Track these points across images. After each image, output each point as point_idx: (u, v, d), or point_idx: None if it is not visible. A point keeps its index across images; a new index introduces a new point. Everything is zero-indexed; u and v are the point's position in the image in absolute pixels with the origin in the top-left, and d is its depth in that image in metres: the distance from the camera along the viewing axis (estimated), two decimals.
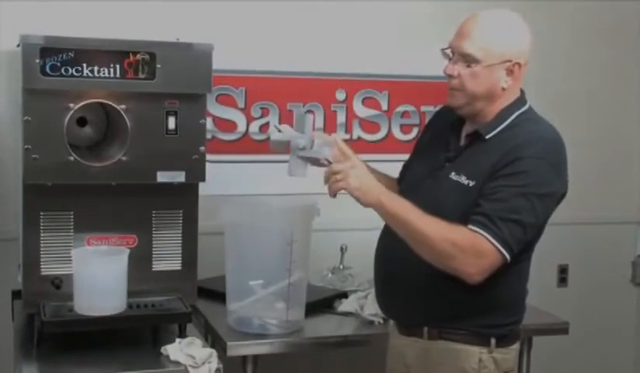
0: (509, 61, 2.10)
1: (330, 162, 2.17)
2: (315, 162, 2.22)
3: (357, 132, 3.44)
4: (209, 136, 3.10)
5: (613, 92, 3.84)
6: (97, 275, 2.39)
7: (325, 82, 3.29)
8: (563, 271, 3.86)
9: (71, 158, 2.40)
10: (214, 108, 3.22)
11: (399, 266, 2.19)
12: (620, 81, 3.84)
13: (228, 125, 3.29)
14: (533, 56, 2.17)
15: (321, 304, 2.90)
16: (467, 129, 2.23)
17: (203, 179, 2.57)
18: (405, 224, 2.04)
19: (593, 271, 3.87)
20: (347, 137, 3.41)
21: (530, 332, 2.83)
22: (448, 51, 2.17)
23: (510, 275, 2.08)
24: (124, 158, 2.45)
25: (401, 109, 3.49)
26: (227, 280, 2.68)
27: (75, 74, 2.36)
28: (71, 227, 2.49)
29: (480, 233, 1.99)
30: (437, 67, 2.26)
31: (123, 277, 2.44)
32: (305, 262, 2.66)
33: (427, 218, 2.02)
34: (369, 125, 3.46)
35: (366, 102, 3.45)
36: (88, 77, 2.38)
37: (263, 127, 3.33)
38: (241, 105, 3.29)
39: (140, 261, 2.53)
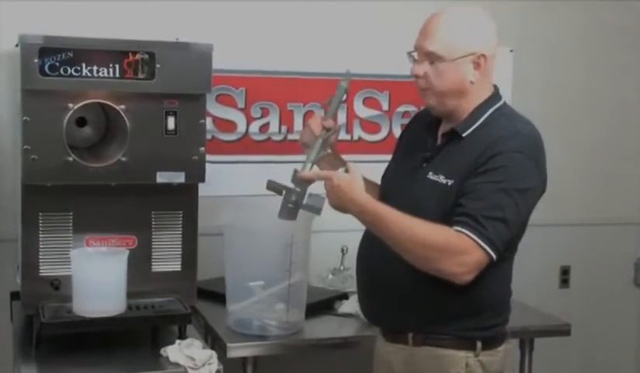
0: (473, 53, 2.09)
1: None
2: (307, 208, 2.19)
3: (358, 132, 3.44)
4: (209, 136, 3.10)
5: (615, 94, 3.83)
6: (96, 276, 2.39)
7: (325, 82, 3.28)
8: (565, 272, 3.86)
9: (70, 159, 2.40)
10: (214, 108, 3.22)
11: (380, 272, 2.18)
12: (623, 83, 3.84)
13: (228, 125, 3.29)
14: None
15: (322, 305, 2.90)
16: (443, 128, 2.22)
17: (203, 180, 2.57)
18: (387, 230, 2.03)
19: (595, 272, 3.87)
20: (348, 137, 3.41)
21: (531, 334, 2.82)
22: (414, 54, 2.17)
23: (494, 275, 2.07)
24: (123, 159, 2.45)
25: (402, 109, 3.49)
26: (226, 282, 2.68)
27: (74, 74, 2.37)
28: (70, 228, 2.49)
29: (465, 233, 1.98)
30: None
31: (122, 278, 2.44)
32: (305, 263, 2.66)
33: (409, 222, 2.00)
34: (370, 125, 3.46)
35: (367, 102, 3.44)
36: (87, 77, 2.38)
37: (263, 128, 3.33)
38: (241, 105, 3.29)
39: (139, 262, 2.54)
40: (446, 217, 2.05)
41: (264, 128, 3.33)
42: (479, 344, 2.13)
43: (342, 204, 2.07)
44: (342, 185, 2.06)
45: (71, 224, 2.49)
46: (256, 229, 2.53)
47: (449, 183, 2.08)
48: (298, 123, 3.34)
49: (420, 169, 2.18)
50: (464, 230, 1.98)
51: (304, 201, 2.16)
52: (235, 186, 3.20)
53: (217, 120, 3.26)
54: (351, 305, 2.86)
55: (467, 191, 2.02)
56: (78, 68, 2.37)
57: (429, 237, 1.99)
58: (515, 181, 2.02)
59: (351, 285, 3.07)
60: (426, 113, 2.27)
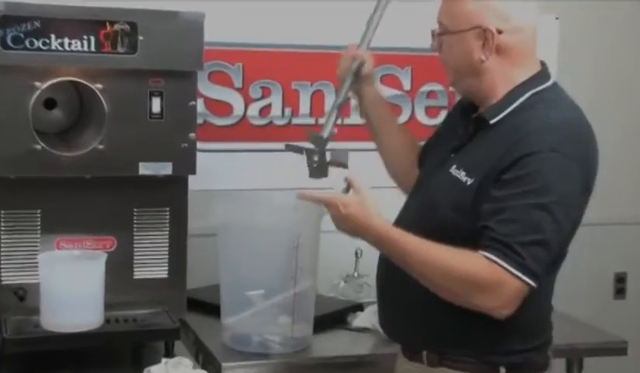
0: (478, 27, 2.09)
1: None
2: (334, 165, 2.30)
3: None
4: (200, 120, 3.10)
5: None
6: (68, 284, 2.39)
7: (335, 57, 3.25)
8: (620, 280, 3.84)
9: (38, 147, 2.40)
10: (206, 88, 3.21)
11: (397, 284, 2.18)
12: None
13: (223, 108, 3.28)
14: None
15: (332, 318, 2.90)
16: (478, 113, 2.22)
17: (194, 172, 2.58)
18: (409, 262, 2.06)
19: None
20: (362, 121, 3.39)
21: (580, 353, 2.81)
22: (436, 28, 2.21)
23: (527, 294, 2.04)
24: (100, 147, 2.46)
25: (426, 88, 3.48)
26: (221, 290, 2.68)
27: (42, 47, 2.36)
28: (38, 227, 2.50)
29: (498, 263, 1.96)
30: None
31: (99, 286, 2.44)
32: (313, 268, 2.65)
33: (435, 252, 2.02)
34: (389, 107, 3.42)
35: (385, 80, 3.43)
36: (57, 51, 2.38)
37: (264, 110, 3.33)
38: (238, 84, 3.29)
39: (119, 267, 2.54)
40: (460, 221, 2.06)
41: (265, 111, 3.33)
42: (503, 371, 2.13)
43: (353, 232, 2.12)
44: (352, 212, 2.09)
45: (38, 224, 2.50)
46: (256, 229, 2.52)
47: (468, 182, 2.08)
48: (305, 106, 3.34)
49: (448, 159, 2.19)
50: (497, 260, 1.96)
51: (328, 159, 2.26)
52: (231, 179, 3.20)
53: (209, 102, 3.25)
54: (367, 318, 2.86)
55: (495, 207, 2.00)
56: (47, 41, 2.37)
57: (458, 269, 2.00)
58: (552, 191, 1.98)
59: (367, 294, 3.10)
60: None
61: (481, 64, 2.11)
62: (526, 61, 2.15)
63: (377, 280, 2.32)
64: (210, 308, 2.80)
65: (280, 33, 3.28)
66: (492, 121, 2.11)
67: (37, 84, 2.39)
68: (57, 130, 2.53)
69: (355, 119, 3.36)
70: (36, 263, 2.44)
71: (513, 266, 1.95)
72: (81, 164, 2.45)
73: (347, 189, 2.14)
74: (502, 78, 2.13)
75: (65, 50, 2.38)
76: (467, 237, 2.02)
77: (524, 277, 1.96)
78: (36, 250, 2.48)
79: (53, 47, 2.37)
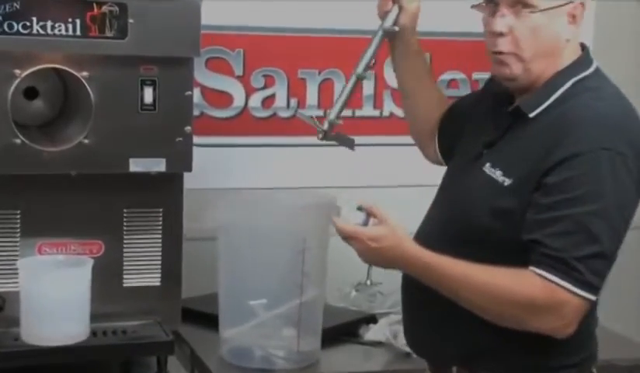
0: (571, 1, 2.06)
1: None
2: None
3: (389, 107, 3.43)
4: (197, 112, 3.10)
5: None
6: (51, 293, 2.39)
7: (346, 42, 3.26)
8: None
9: (18, 141, 2.40)
10: (203, 76, 3.21)
11: (426, 292, 2.15)
12: None
13: (222, 98, 3.28)
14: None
15: (343, 330, 2.90)
16: (513, 105, 2.18)
17: (190, 169, 2.58)
18: (454, 288, 2.05)
19: None
20: (376, 113, 3.39)
21: (621, 371, 2.79)
22: (484, 4, 2.13)
23: None
24: (86, 141, 2.45)
25: (446, 77, 3.48)
26: (220, 300, 2.68)
27: (22, 31, 2.36)
28: (18, 230, 2.50)
29: (555, 282, 1.95)
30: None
31: (85, 295, 2.44)
32: (321, 276, 2.66)
33: (481, 277, 2.01)
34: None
35: None
36: (38, 35, 2.37)
37: (267, 101, 3.32)
38: (239, 72, 3.29)
39: (107, 274, 2.54)
40: (497, 223, 2.05)
41: (268, 102, 3.33)
42: None
43: (386, 265, 2.13)
44: (385, 245, 2.07)
45: (18, 226, 2.50)
46: (258, 232, 2.53)
47: (505, 183, 2.06)
48: (312, 96, 3.34)
49: (481, 155, 2.17)
50: (554, 278, 1.95)
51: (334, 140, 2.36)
52: (231, 177, 3.21)
53: (207, 92, 3.25)
54: (381, 331, 2.86)
55: (543, 218, 1.98)
56: (27, 24, 2.36)
57: (511, 292, 1.99)
58: (605, 195, 1.96)
59: (380, 304, 3.12)
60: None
61: (566, 45, 2.08)
62: (577, 42, 2.14)
63: (403, 288, 2.31)
64: (207, 319, 2.80)
65: (284, 16, 3.28)
66: (532, 114, 2.09)
67: (17, 71, 2.38)
68: (39, 123, 2.53)
69: (367, 111, 3.37)
70: (16, 269, 2.44)
71: (572, 284, 1.94)
72: (66, 160, 2.44)
73: (367, 221, 2.11)
74: (560, 62, 2.10)
75: (48, 35, 2.38)
76: (504, 245, 2.02)
77: (585, 294, 1.95)
78: (15, 255, 2.48)
79: (34, 31, 2.37)
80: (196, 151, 2.57)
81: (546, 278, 1.95)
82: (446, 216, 2.22)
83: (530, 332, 2.03)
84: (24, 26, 2.36)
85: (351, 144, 2.39)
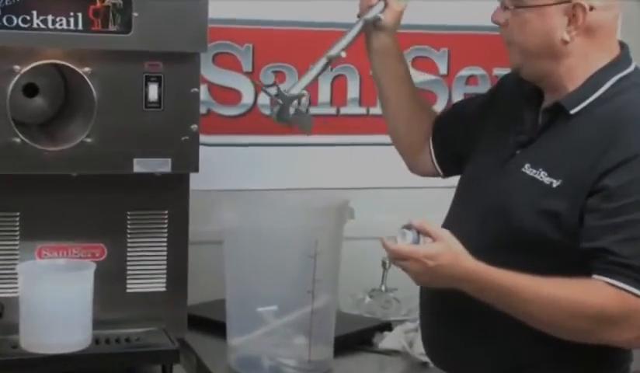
0: (567, 1, 2.07)
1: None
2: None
3: None
4: (204, 110, 3.10)
5: None
6: (51, 299, 2.39)
7: (360, 37, 3.26)
8: None
9: (17, 140, 2.40)
10: (211, 72, 3.21)
11: (452, 301, 2.17)
12: None
13: (230, 95, 3.29)
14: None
15: (356, 338, 2.90)
16: (547, 101, 2.20)
17: (196, 169, 2.58)
18: (520, 304, 2.03)
19: None
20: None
21: None
22: None
23: None
24: (89, 140, 2.46)
25: (465, 72, 3.48)
26: (227, 306, 2.68)
27: (22, 25, 2.37)
28: (17, 233, 2.51)
29: (628, 291, 1.96)
30: None
31: (86, 301, 2.44)
32: (334, 281, 2.66)
33: (548, 290, 2.00)
34: (422, 94, 3.42)
35: (417, 63, 3.42)
36: (39, 29, 2.38)
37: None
38: (247, 68, 3.29)
39: (110, 279, 2.55)
40: (547, 226, 2.05)
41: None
42: None
43: (444, 283, 2.08)
44: (444, 262, 2.03)
45: (17, 229, 2.51)
46: (268, 235, 2.53)
47: (554, 184, 2.07)
48: (325, 93, 3.34)
49: (513, 157, 2.18)
50: (629, 287, 1.96)
51: (290, 116, 2.40)
52: (239, 177, 3.21)
53: (214, 89, 3.25)
54: (396, 339, 2.85)
55: (607, 224, 1.98)
56: (27, 18, 2.37)
57: (582, 304, 1.99)
58: None
59: (396, 311, 3.12)
60: (519, 79, 2.27)
61: (563, 46, 2.09)
62: (610, 42, 2.15)
63: (426, 302, 2.33)
64: (214, 326, 2.80)
65: (295, 10, 3.28)
66: (573, 111, 2.10)
67: (16, 67, 2.39)
68: (39, 121, 2.54)
69: (353, 108, 3.37)
70: (15, 274, 2.45)
71: None
72: (67, 160, 2.45)
73: (418, 239, 2.08)
74: (583, 62, 2.12)
75: (49, 29, 2.38)
76: (549, 248, 2.03)
77: None
78: (14, 259, 2.49)
79: (34, 25, 2.37)
80: (202, 150, 2.58)
81: (618, 287, 1.95)
82: (481, 220, 2.20)
83: (572, 345, 2.04)
84: (24, 20, 2.36)
85: (308, 126, 2.38)
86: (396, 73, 2.52)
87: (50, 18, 2.38)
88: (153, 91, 2.50)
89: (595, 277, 1.97)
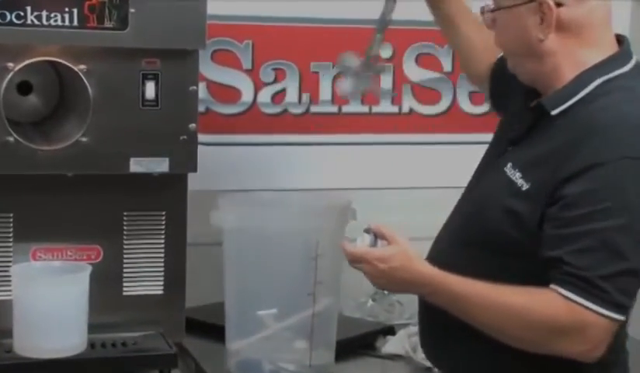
0: (528, 1, 2.08)
1: None
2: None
3: (409, 103, 3.41)
4: (202, 108, 3.10)
5: None
6: (46, 302, 2.39)
7: (362, 33, 3.24)
8: None
9: (11, 139, 2.40)
10: (210, 69, 3.21)
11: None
12: None
13: (229, 93, 3.28)
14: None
15: (358, 343, 2.90)
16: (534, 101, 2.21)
17: (194, 169, 2.58)
18: (473, 316, 2.07)
19: None
20: (395, 109, 3.38)
21: None
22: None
23: None
24: (84, 140, 2.46)
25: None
26: (226, 309, 2.68)
27: (16, 21, 2.37)
28: (11, 234, 2.51)
29: (579, 303, 1.96)
30: None
31: (82, 304, 2.44)
32: (335, 284, 2.65)
33: (500, 298, 2.03)
34: (425, 93, 3.44)
35: (421, 60, 3.42)
36: (33, 25, 2.38)
37: (277, 96, 3.32)
38: (247, 65, 3.28)
39: (106, 282, 2.55)
40: (514, 230, 2.06)
41: (278, 97, 3.33)
42: None
43: (397, 288, 2.21)
44: (396, 265, 2.11)
45: (11, 230, 2.51)
46: (268, 237, 2.53)
47: (523, 188, 2.07)
48: (326, 91, 3.33)
49: (505, 153, 2.19)
50: (579, 299, 1.96)
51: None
52: (239, 177, 3.20)
53: (213, 86, 3.25)
54: (399, 343, 2.86)
55: (565, 233, 1.98)
56: (21, 13, 2.37)
57: (532, 314, 2.00)
58: (632, 208, 1.96)
59: (399, 315, 3.12)
60: None
61: (539, 45, 2.09)
62: (598, 38, 2.12)
63: (419, 299, 2.33)
64: (213, 330, 2.80)
65: (296, 6, 3.27)
66: (554, 112, 2.09)
67: (10, 65, 2.39)
68: (33, 120, 2.54)
69: (355, 107, 3.36)
70: (9, 276, 2.45)
71: (599, 304, 1.94)
72: (62, 159, 2.45)
73: (375, 242, 2.16)
74: (568, 60, 2.10)
75: (43, 25, 2.38)
76: (522, 253, 2.03)
77: (613, 314, 1.96)
78: (8, 261, 2.49)
79: (28, 21, 2.37)
80: (201, 150, 2.58)
81: (570, 299, 1.95)
82: (462, 218, 2.24)
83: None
84: (17, 16, 2.36)
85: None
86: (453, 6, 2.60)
87: (44, 14, 2.38)
88: (150, 89, 2.50)
89: (552, 286, 1.98)
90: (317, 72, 3.33)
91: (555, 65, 2.11)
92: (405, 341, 2.83)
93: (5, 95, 2.39)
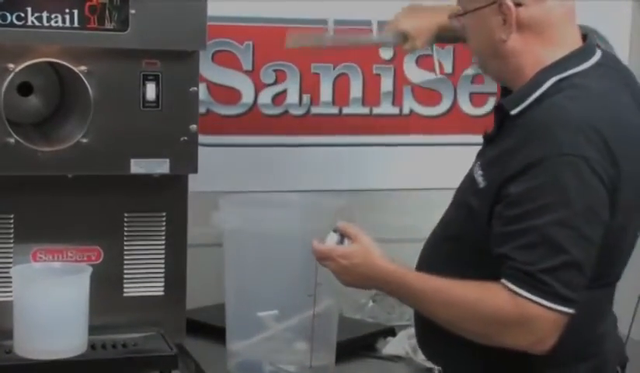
0: (494, 1, 2.11)
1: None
2: None
3: (409, 104, 3.41)
4: (202, 109, 3.10)
5: None
6: (46, 303, 2.38)
7: (363, 34, 3.25)
8: None
9: (11, 140, 2.40)
10: (210, 71, 3.21)
11: None
12: None
13: (229, 94, 3.28)
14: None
15: (359, 344, 2.90)
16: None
17: (195, 170, 2.59)
18: (429, 310, 2.14)
19: None
20: (395, 111, 3.38)
21: None
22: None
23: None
24: (85, 141, 2.46)
25: (471, 71, 3.46)
26: (227, 311, 2.68)
27: (16, 22, 2.37)
28: (11, 235, 2.51)
29: (523, 296, 1.99)
30: None
31: (82, 305, 2.44)
32: (336, 285, 2.58)
33: (452, 292, 2.08)
34: (426, 94, 3.44)
35: (421, 62, 3.41)
36: (34, 27, 2.38)
37: (278, 98, 3.32)
38: (247, 66, 3.28)
39: (106, 283, 2.55)
40: (472, 226, 2.11)
41: (279, 98, 3.33)
42: None
43: (360, 283, 2.24)
44: (356, 261, 2.20)
45: (12, 231, 2.51)
46: (268, 238, 2.53)
47: (480, 186, 2.11)
48: (326, 92, 3.33)
49: (482, 151, 2.23)
50: (522, 292, 1.99)
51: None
52: (239, 179, 3.20)
53: (213, 88, 3.25)
54: (400, 344, 2.86)
55: (509, 230, 2.01)
56: (22, 15, 2.37)
57: (480, 308, 2.05)
58: (572, 202, 1.98)
59: (399, 316, 3.11)
60: None
61: (503, 45, 2.13)
62: (559, 36, 2.14)
63: None
64: (213, 331, 2.80)
65: (296, 7, 3.27)
66: (513, 112, 2.10)
67: (10, 66, 2.39)
68: (34, 121, 2.54)
69: (356, 108, 3.37)
70: (9, 277, 2.45)
71: (542, 297, 1.97)
72: (62, 160, 2.45)
73: (342, 240, 2.24)
74: (530, 60, 2.13)
75: (44, 26, 2.39)
76: (479, 251, 2.08)
77: (557, 307, 1.98)
78: (8, 262, 2.49)
79: (29, 23, 2.37)
80: (201, 151, 2.58)
81: (515, 292, 1.98)
82: (444, 214, 2.29)
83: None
84: (18, 17, 2.37)
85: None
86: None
87: (45, 15, 2.38)
88: (151, 90, 2.51)
89: (502, 281, 2.02)
90: (317, 73, 3.33)
91: (518, 65, 2.14)
92: (406, 342, 2.83)
93: (5, 96, 2.39)
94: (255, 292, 2.59)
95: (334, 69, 3.34)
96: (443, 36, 2.69)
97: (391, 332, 2.97)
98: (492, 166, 2.10)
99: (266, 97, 3.31)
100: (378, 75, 3.37)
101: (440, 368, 2.38)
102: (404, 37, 2.67)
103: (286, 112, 3.33)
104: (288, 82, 3.32)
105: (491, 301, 2.02)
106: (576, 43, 2.15)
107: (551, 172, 1.97)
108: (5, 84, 2.39)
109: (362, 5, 3.27)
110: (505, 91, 2.29)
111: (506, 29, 2.11)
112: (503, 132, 2.13)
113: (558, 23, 2.13)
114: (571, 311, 1.99)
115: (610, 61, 2.19)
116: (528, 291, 1.97)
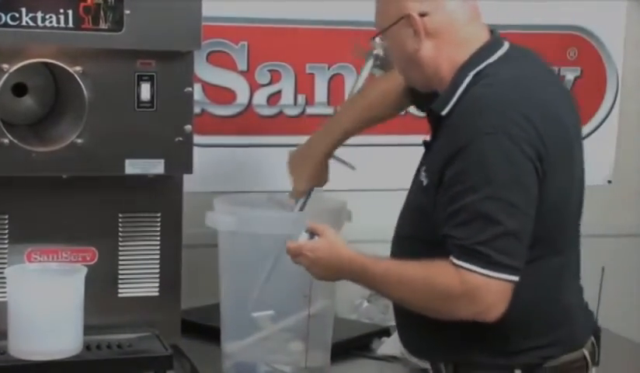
0: (402, 16, 2.24)
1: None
2: None
3: None
4: (197, 110, 3.10)
5: None
6: (41, 304, 2.38)
7: (358, 35, 3.25)
8: None
9: (6, 141, 2.40)
10: (205, 71, 3.21)
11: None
12: None
13: (224, 95, 3.28)
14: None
15: (354, 344, 2.90)
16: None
17: (190, 171, 2.58)
18: (389, 293, 2.27)
19: None
20: None
21: None
22: None
23: (522, 280, 2.13)
24: (79, 141, 2.46)
25: None
26: (222, 311, 2.68)
27: (10, 23, 2.36)
28: (6, 236, 2.51)
29: (465, 268, 2.09)
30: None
31: (77, 306, 2.43)
32: (331, 285, 2.65)
33: (405, 273, 2.19)
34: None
35: None
36: (28, 27, 2.38)
37: (273, 98, 3.32)
38: (242, 66, 3.28)
39: (101, 284, 2.55)
40: (423, 223, 2.21)
41: (274, 99, 3.33)
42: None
43: (328, 274, 2.33)
44: (321, 255, 2.30)
45: (6, 232, 2.51)
46: (263, 238, 2.53)
47: (424, 183, 2.23)
48: (321, 92, 3.34)
49: (422, 159, 2.34)
50: (464, 264, 2.09)
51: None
52: (234, 179, 3.21)
53: (208, 88, 3.25)
54: (394, 344, 2.84)
55: (447, 213, 2.12)
56: (16, 15, 2.37)
57: (427, 284, 2.15)
58: (497, 177, 2.08)
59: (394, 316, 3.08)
60: None
61: (418, 54, 2.25)
62: (466, 35, 2.27)
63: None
64: (208, 331, 2.81)
65: (291, 7, 3.28)
66: (444, 112, 2.21)
67: (5, 66, 2.39)
68: (28, 121, 2.54)
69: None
70: (3, 278, 2.44)
71: (482, 266, 2.08)
72: (57, 161, 2.45)
73: (312, 237, 2.33)
74: (445, 63, 2.26)
75: (38, 27, 2.38)
76: (431, 247, 2.16)
77: (498, 274, 2.08)
78: (3, 263, 2.48)
79: (23, 23, 2.37)
80: (196, 151, 2.58)
81: (459, 266, 2.09)
82: (399, 221, 2.39)
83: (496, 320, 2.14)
84: (12, 18, 2.36)
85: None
86: None
87: (39, 15, 2.38)
88: (145, 90, 2.51)
89: (449, 258, 2.12)
90: (312, 74, 3.34)
91: (436, 69, 2.26)
92: (400, 343, 2.84)
93: None
94: (249, 292, 2.59)
95: (329, 69, 3.34)
96: (355, 131, 2.82)
97: (385, 332, 2.98)
98: (431, 164, 2.20)
99: (260, 97, 3.31)
100: (373, 76, 3.37)
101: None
102: None
103: (281, 112, 3.34)
104: (283, 83, 3.32)
105: (439, 277, 2.12)
106: (484, 38, 2.28)
107: (476, 152, 2.09)
108: (0, 84, 2.38)
109: (357, 5, 3.27)
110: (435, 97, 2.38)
111: (417, 39, 2.24)
112: (439, 134, 2.23)
113: (464, 24, 2.26)
114: (514, 278, 2.10)
115: (517, 50, 2.29)
116: (468, 261, 2.08)
